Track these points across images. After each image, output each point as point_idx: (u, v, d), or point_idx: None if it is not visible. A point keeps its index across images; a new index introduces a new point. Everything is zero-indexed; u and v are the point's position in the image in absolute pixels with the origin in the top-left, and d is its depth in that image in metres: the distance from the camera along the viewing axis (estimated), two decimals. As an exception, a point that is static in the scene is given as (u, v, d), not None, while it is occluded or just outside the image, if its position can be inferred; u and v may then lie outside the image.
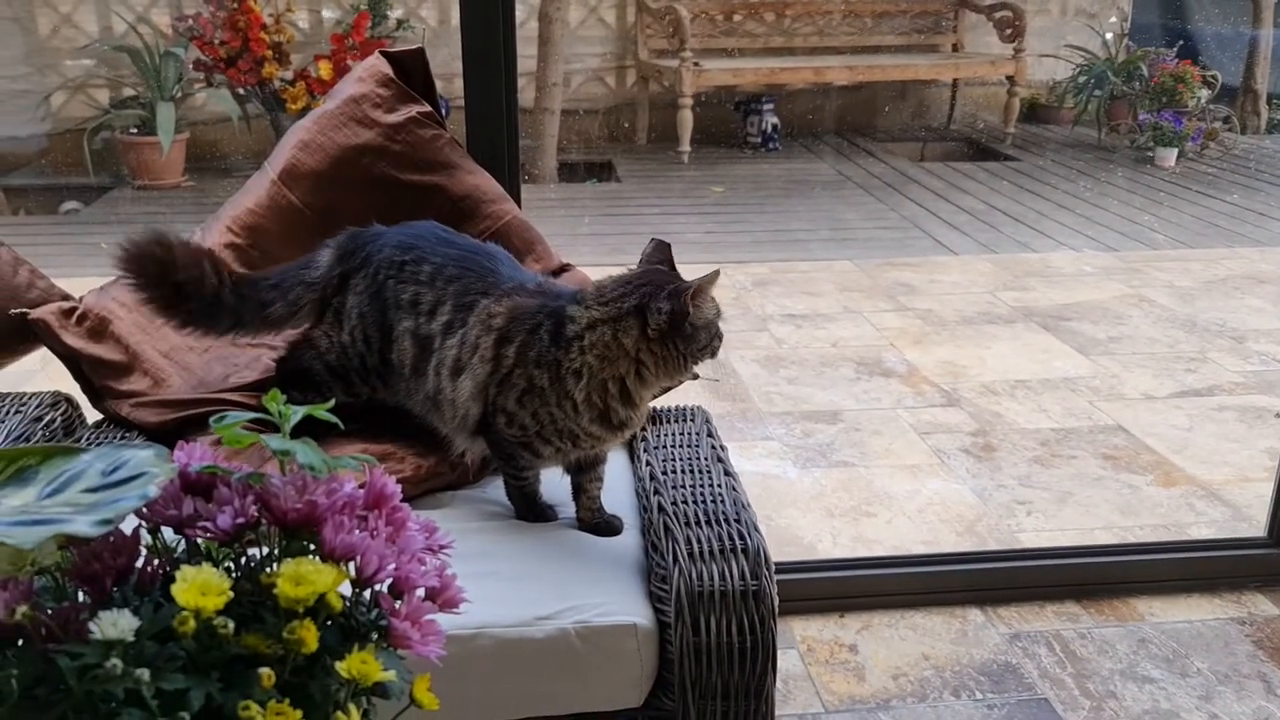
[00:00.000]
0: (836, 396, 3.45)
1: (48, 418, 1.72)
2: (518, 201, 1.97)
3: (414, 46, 1.94)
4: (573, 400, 1.39)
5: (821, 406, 3.36)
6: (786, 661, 2.08)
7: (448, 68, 4.84)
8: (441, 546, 0.80)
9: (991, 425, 3.23)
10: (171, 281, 1.58)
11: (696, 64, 6.87)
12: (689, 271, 1.43)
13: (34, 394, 1.78)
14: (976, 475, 2.91)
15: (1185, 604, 2.31)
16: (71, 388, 1.82)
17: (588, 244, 5.23)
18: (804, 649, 2.13)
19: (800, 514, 2.69)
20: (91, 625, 0.63)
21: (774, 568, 1.35)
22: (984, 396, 3.45)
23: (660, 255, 1.45)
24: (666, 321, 1.34)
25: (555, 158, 6.68)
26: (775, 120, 7.43)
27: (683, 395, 1.83)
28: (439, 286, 1.51)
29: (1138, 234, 5.58)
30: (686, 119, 6.90)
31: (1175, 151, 6.95)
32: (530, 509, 1.55)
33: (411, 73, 1.93)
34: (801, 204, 6.14)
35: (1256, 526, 2.49)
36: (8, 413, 1.72)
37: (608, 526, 1.52)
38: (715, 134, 7.34)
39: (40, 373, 2.06)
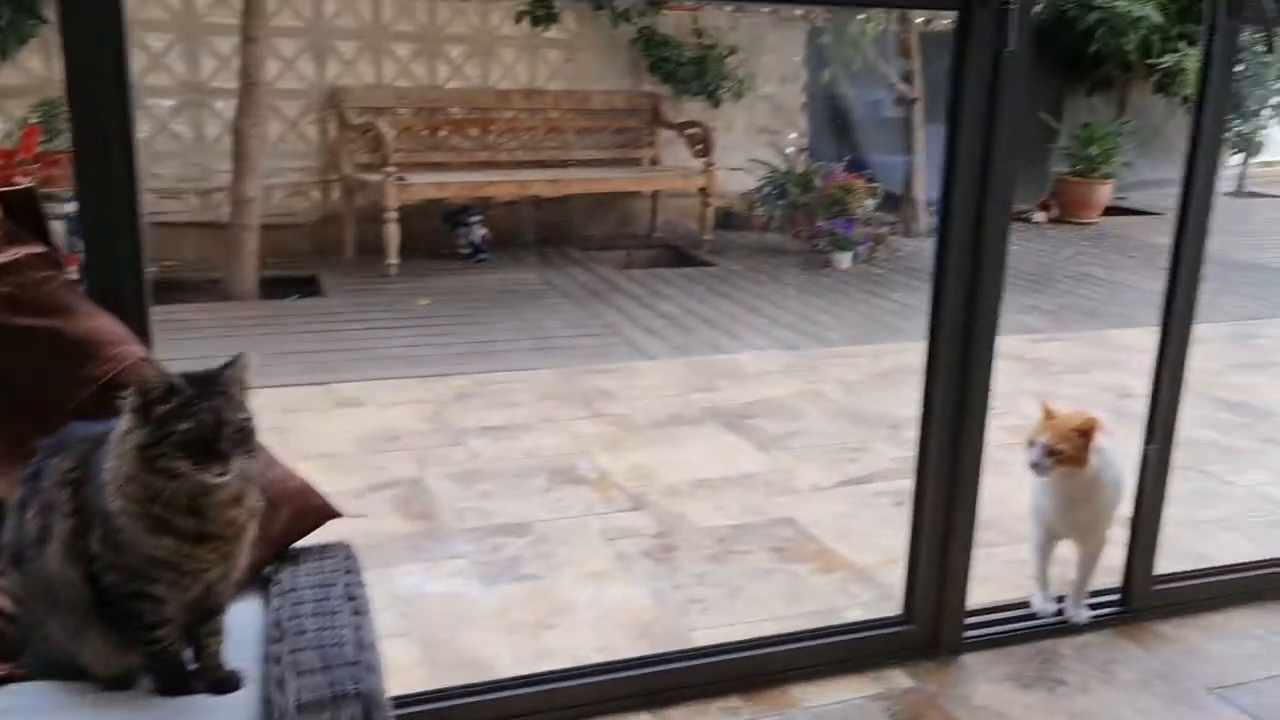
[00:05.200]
0: (528, 508, 3.49)
1: None
2: (145, 340, 1.91)
3: (23, 186, 1.87)
4: (112, 512, 1.28)
5: (512, 519, 3.40)
6: (455, 791, 2.06)
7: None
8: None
9: (674, 526, 3.38)
10: None
11: (401, 178, 6.91)
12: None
13: None
14: (655, 577, 3.02)
15: (834, 686, 2.47)
16: None
17: (288, 363, 5.08)
18: (474, 776, 2.12)
19: (480, 634, 2.69)
20: None
21: (390, 705, 1.35)
22: (668, 498, 3.60)
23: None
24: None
25: (255, 273, 6.49)
26: (484, 231, 7.57)
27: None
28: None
29: (815, 332, 6.05)
30: (392, 232, 6.90)
31: (849, 255, 7.64)
32: (175, 677, 1.41)
33: (21, 213, 1.84)
34: (507, 314, 6.25)
35: (897, 605, 2.72)
36: None
37: (225, 683, 1.46)
38: (424, 246, 7.37)
39: None
